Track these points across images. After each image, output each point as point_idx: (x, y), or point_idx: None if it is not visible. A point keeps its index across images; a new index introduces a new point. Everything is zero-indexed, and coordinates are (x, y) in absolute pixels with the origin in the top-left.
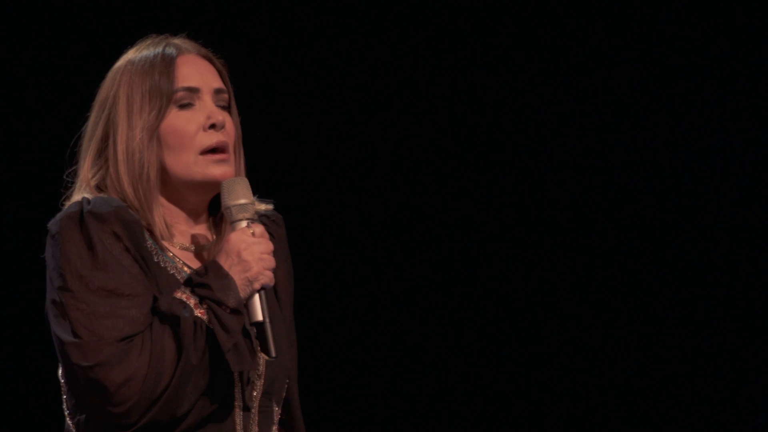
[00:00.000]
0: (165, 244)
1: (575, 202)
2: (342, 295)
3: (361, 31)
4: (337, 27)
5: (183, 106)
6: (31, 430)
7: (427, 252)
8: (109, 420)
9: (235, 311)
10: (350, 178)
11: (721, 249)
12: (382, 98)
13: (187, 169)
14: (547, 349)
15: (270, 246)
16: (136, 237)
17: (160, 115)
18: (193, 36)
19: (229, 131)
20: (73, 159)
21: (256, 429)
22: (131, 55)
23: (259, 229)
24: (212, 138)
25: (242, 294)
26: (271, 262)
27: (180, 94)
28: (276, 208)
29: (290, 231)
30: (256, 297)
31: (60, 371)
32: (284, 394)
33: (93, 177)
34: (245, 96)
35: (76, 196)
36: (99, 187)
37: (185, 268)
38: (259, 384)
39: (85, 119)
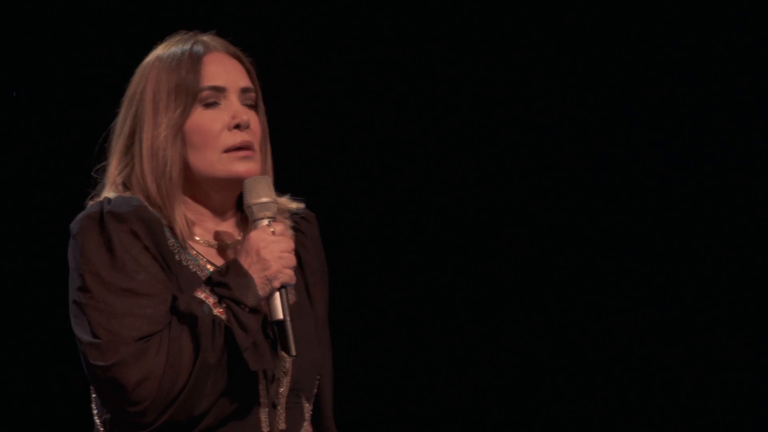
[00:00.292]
0: (188, 241)
1: (579, 201)
2: (370, 294)
3: (393, 28)
4: (370, 24)
5: (208, 105)
6: (63, 429)
7: (457, 251)
8: (128, 419)
9: (253, 310)
10: (383, 176)
11: (722, 249)
12: (412, 95)
13: (211, 167)
14: (569, 350)
15: (290, 244)
16: (156, 235)
17: (185, 114)
18: (222, 33)
19: (255, 130)
20: (101, 155)
21: (283, 426)
22: (160, 51)
23: (279, 227)
24: (236, 138)
25: (261, 292)
26: (290, 260)
27: (206, 93)
28: (308, 207)
29: (323, 230)
30: (277, 295)
31: None
32: (315, 390)
33: (120, 173)
34: (275, 93)
35: (102, 195)
36: (125, 185)
37: (208, 266)
38: (286, 380)
39: (116, 115)
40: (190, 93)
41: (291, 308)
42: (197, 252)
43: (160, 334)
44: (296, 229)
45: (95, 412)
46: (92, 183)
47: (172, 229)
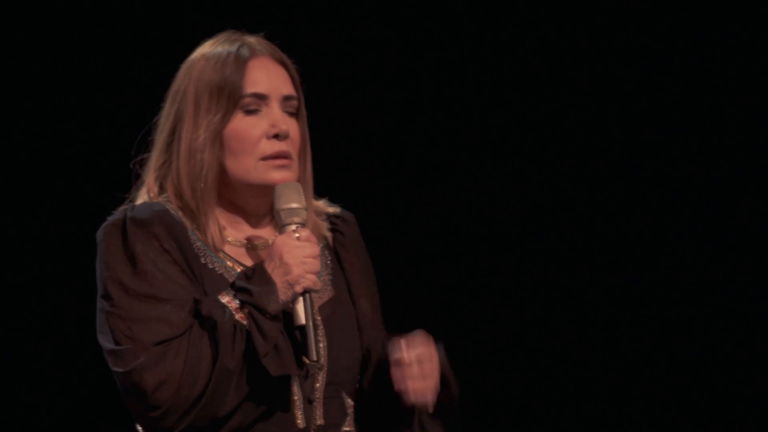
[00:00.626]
0: (219, 244)
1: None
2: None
3: (436, 32)
4: (417, 29)
5: (249, 112)
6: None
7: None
8: (151, 423)
9: (274, 317)
10: (422, 179)
11: (723, 250)
12: (453, 101)
13: (247, 174)
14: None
15: (315, 250)
16: (178, 239)
17: (226, 119)
18: (269, 36)
19: (293, 139)
20: (140, 150)
21: (321, 421)
22: (206, 49)
23: (305, 233)
24: (274, 146)
25: (283, 297)
26: (314, 265)
27: (247, 99)
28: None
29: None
30: (300, 300)
31: None
32: (357, 385)
33: (158, 169)
34: (319, 97)
35: (138, 197)
36: (162, 186)
37: (238, 268)
38: (321, 375)
39: (160, 109)
40: (232, 98)
41: (326, 307)
42: (226, 254)
43: (180, 338)
44: (334, 230)
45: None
46: (134, 175)
47: (201, 232)
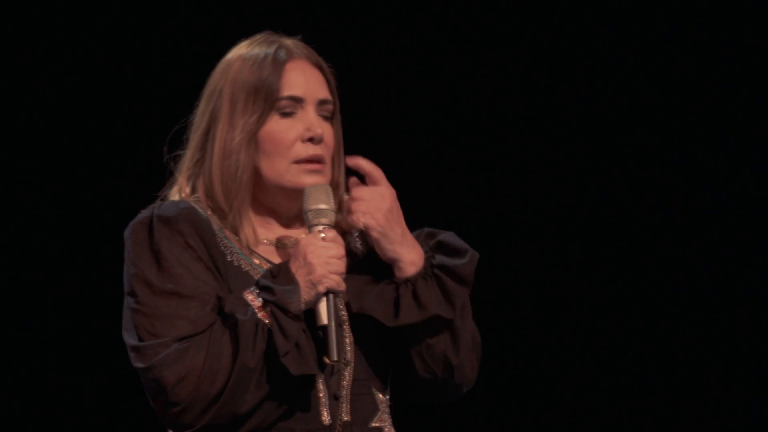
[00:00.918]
0: (252, 245)
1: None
2: None
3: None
4: (451, 33)
5: (285, 114)
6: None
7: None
8: (171, 421)
9: (296, 316)
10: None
11: (722, 250)
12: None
13: (279, 176)
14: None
15: (340, 251)
16: (204, 236)
17: (261, 121)
18: (306, 38)
19: (328, 143)
20: (177, 145)
21: (348, 417)
22: (243, 50)
23: (331, 233)
24: (308, 150)
25: (306, 296)
26: (338, 266)
27: (283, 102)
28: None
29: None
30: (323, 300)
31: None
32: (388, 380)
33: (191, 168)
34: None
35: (171, 192)
36: (193, 186)
37: (265, 266)
38: (348, 372)
39: (195, 107)
40: (268, 99)
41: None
42: (253, 251)
43: (202, 335)
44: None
45: None
46: (166, 172)
47: (228, 231)
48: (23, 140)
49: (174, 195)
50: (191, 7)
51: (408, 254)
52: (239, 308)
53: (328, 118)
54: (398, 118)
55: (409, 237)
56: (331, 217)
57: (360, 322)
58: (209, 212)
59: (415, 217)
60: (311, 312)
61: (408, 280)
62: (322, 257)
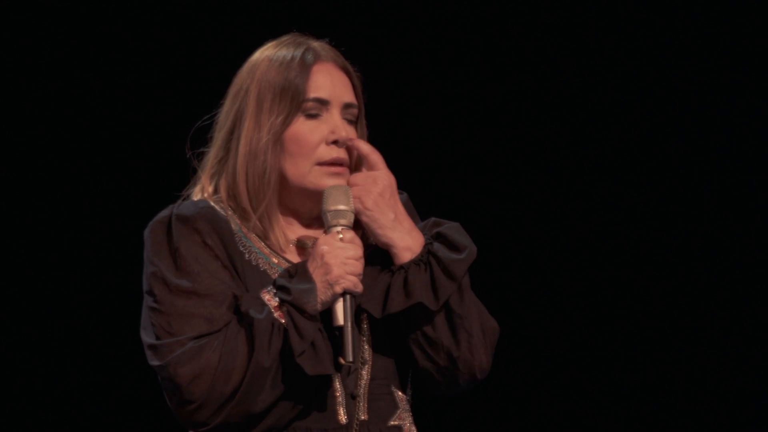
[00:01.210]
0: (283, 246)
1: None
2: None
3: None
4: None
5: (310, 116)
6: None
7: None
8: (186, 419)
9: (312, 316)
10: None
11: (722, 250)
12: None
13: (302, 177)
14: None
15: (358, 252)
16: (222, 235)
17: (287, 122)
18: (334, 41)
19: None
20: (195, 145)
21: (365, 416)
22: (270, 51)
23: (349, 234)
24: (332, 153)
25: (322, 297)
26: (355, 267)
27: (309, 104)
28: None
29: None
30: (340, 301)
31: None
32: (409, 376)
33: (215, 165)
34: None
35: (193, 191)
36: (216, 186)
37: (284, 265)
38: (366, 371)
39: (220, 106)
40: (294, 100)
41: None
42: (272, 250)
43: (218, 334)
44: None
45: None
46: (190, 169)
47: (249, 230)
48: (49, 140)
49: (197, 194)
50: (217, 6)
51: (401, 240)
52: (255, 307)
53: (353, 122)
54: (413, 116)
55: (406, 223)
56: (349, 218)
57: (378, 320)
58: (229, 212)
59: (426, 211)
60: (328, 312)
61: (402, 267)
62: (340, 258)
